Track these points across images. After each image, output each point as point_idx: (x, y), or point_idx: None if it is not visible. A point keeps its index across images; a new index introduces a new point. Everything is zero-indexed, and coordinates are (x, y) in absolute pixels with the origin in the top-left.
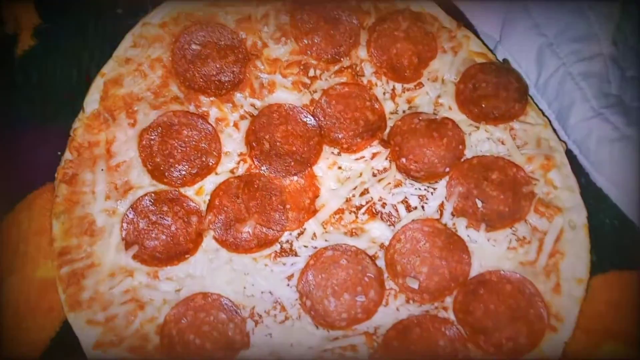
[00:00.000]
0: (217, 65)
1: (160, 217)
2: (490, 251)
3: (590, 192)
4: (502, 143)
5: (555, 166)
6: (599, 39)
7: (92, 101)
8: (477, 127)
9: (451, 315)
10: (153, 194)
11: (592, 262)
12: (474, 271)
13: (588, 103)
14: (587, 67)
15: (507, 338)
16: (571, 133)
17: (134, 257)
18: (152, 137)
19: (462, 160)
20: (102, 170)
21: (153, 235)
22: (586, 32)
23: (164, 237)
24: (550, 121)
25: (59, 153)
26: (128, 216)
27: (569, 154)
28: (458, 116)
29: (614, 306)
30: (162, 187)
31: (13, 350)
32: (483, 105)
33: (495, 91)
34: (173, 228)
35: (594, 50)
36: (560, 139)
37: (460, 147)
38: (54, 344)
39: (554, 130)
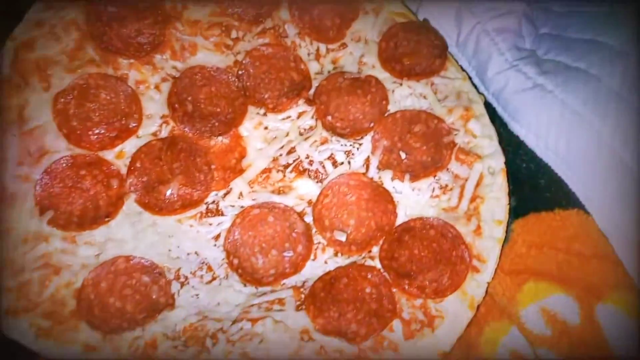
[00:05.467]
0: (136, 27)
1: (77, 181)
2: (414, 200)
3: (508, 140)
4: (424, 97)
5: (474, 116)
6: None
7: (3, 66)
8: (400, 84)
9: (378, 264)
10: (69, 158)
11: (512, 206)
12: (400, 220)
13: (503, 56)
14: (501, 23)
15: (431, 280)
16: (489, 85)
17: (49, 222)
18: (68, 101)
19: (386, 115)
20: (13, 135)
21: (69, 199)
22: None
23: (81, 201)
24: (470, 77)
25: None
26: (42, 181)
27: (488, 106)
28: (381, 74)
29: (534, 247)
30: (79, 151)
31: None
32: (405, 62)
33: (416, 48)
34: (92, 192)
35: (507, 8)
36: (479, 92)
37: (384, 102)
38: None
39: (473, 84)
